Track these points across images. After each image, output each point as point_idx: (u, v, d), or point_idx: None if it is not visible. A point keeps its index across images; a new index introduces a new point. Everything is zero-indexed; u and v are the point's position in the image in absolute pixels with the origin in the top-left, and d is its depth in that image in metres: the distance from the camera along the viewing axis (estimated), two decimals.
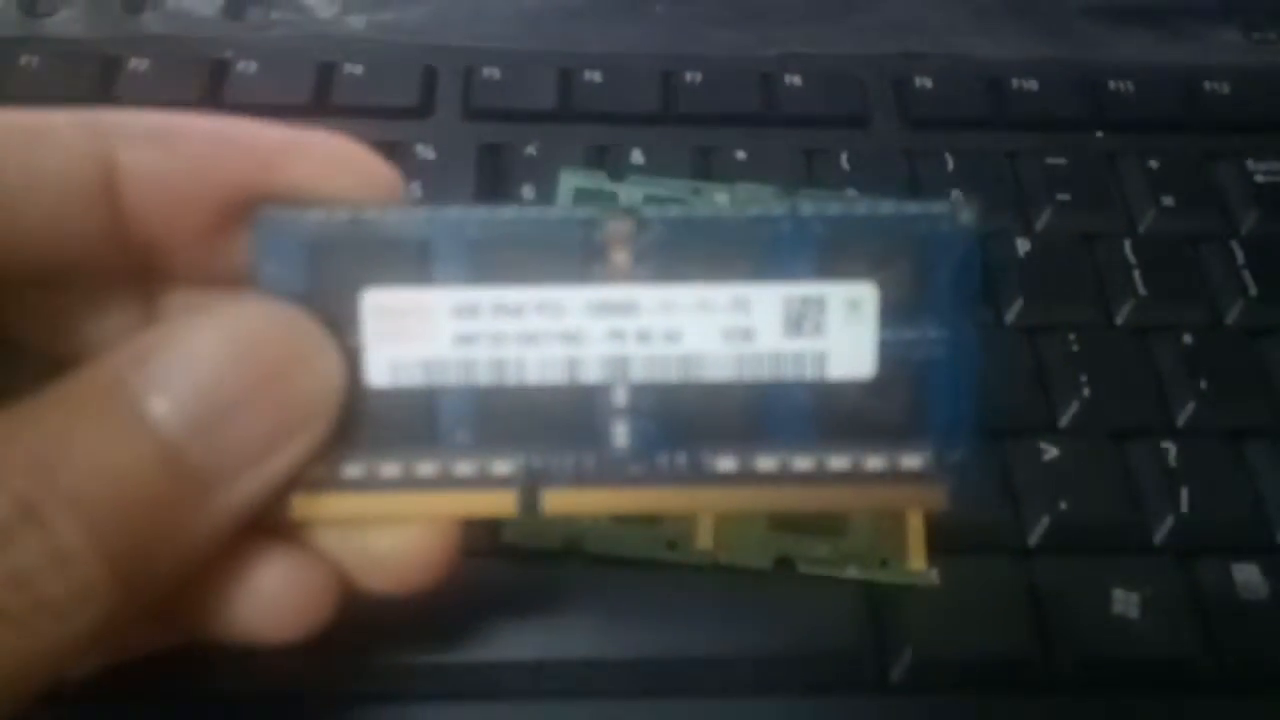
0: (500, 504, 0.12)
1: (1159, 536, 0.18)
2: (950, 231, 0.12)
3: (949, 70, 0.23)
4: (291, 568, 0.12)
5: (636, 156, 0.21)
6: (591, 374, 0.12)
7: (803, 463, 0.12)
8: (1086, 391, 0.19)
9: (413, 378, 0.12)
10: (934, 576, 0.17)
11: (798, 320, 0.12)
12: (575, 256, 0.12)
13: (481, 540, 0.17)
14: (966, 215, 0.12)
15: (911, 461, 0.12)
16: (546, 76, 0.22)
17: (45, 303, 0.12)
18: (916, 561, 0.17)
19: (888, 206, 0.12)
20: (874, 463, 0.12)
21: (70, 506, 0.10)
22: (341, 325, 0.12)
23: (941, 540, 0.17)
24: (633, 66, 0.23)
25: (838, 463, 0.12)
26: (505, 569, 0.17)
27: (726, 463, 0.12)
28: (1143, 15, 0.25)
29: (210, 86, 0.22)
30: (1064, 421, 0.19)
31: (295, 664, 0.15)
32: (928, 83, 0.23)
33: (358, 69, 0.22)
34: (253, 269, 0.12)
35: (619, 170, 0.21)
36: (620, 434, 0.12)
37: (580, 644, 0.16)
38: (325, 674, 0.15)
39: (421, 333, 0.12)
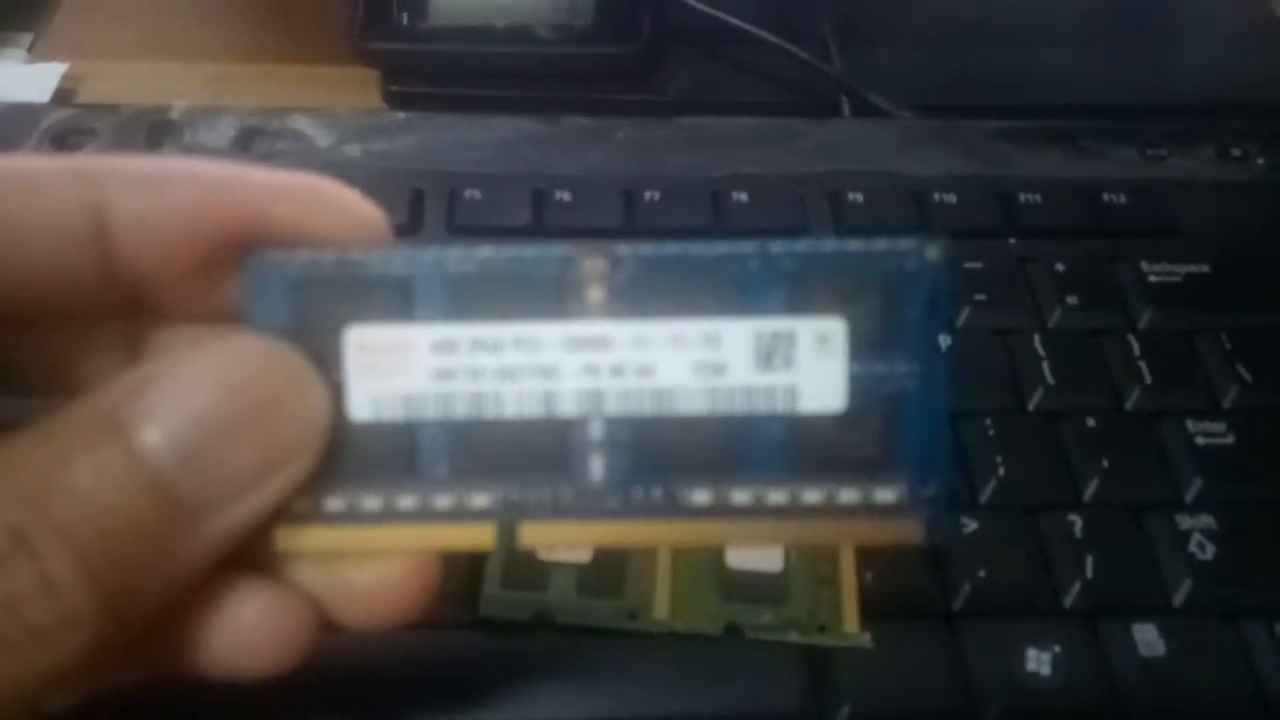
0: (478, 537, 0.12)
1: (1068, 600, 0.20)
2: (918, 267, 0.12)
3: (878, 185, 0.26)
4: (270, 600, 0.12)
5: None
6: (567, 408, 0.12)
7: (776, 496, 0.12)
8: (1002, 470, 0.21)
9: (394, 412, 0.12)
10: (867, 639, 0.19)
11: (768, 354, 0.12)
12: (551, 293, 0.12)
13: (457, 612, 0.19)
14: (933, 252, 0.12)
15: (886, 495, 0.12)
16: (521, 196, 0.25)
17: (36, 342, 0.13)
18: (850, 626, 0.19)
19: (855, 244, 0.12)
20: (848, 496, 0.12)
21: (60, 536, 0.10)
22: (326, 361, 0.12)
23: (874, 606, 0.19)
24: (598, 186, 0.25)
25: (811, 496, 0.12)
26: (478, 640, 0.18)
27: (701, 496, 0.12)
28: (1050, 136, 0.28)
29: None
30: (984, 497, 0.21)
31: None
32: (859, 197, 0.26)
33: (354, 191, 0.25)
34: (242, 307, 0.12)
35: None
36: (596, 467, 0.12)
37: (549, 708, 0.18)
38: None
39: (402, 368, 0.12)
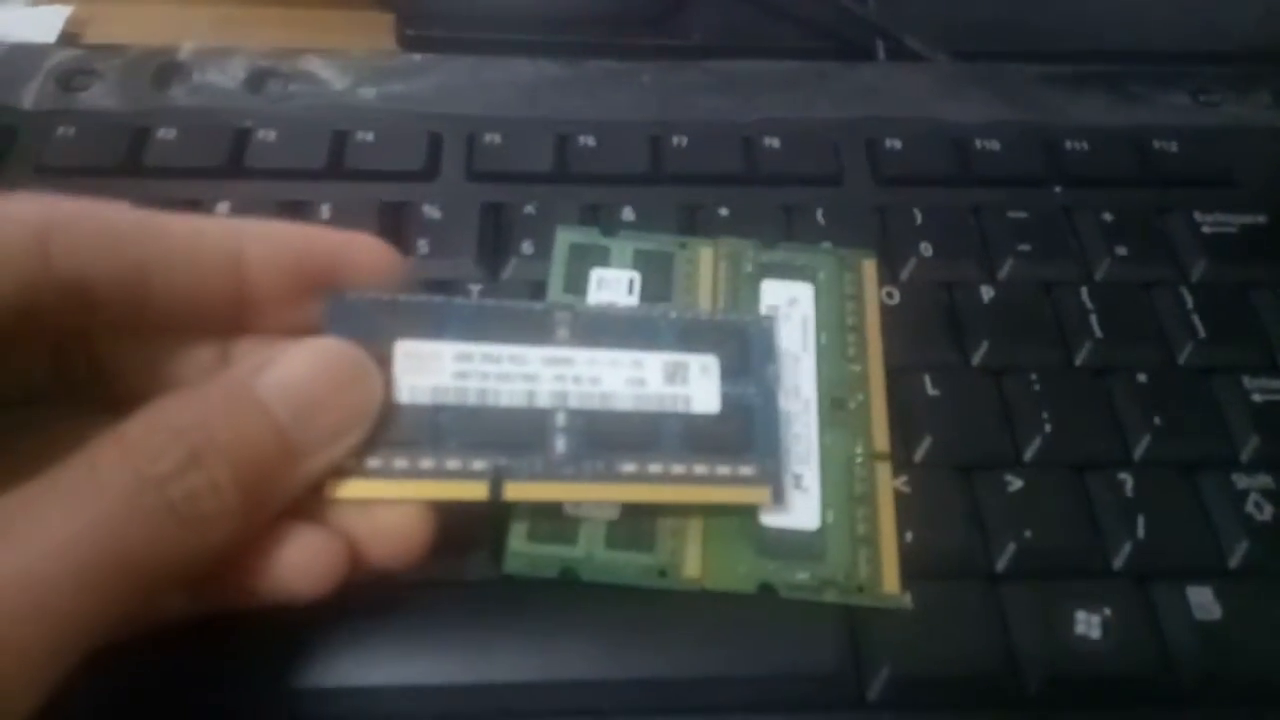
0: (475, 491, 0.17)
1: (1118, 562, 0.19)
2: (759, 330, 0.19)
3: (917, 132, 0.25)
4: (319, 538, 0.16)
5: (628, 214, 0.23)
6: (543, 402, 0.17)
7: (678, 468, 0.17)
8: (1048, 427, 0.20)
9: (424, 398, 0.17)
10: (908, 600, 0.18)
11: (672, 375, 0.18)
12: (535, 329, 0.18)
13: (483, 568, 0.18)
14: (768, 321, 0.19)
15: (746, 469, 0.18)
16: (544, 141, 0.24)
17: (154, 350, 0.17)
18: (890, 586, 0.18)
19: (723, 315, 0.20)
20: (722, 469, 0.18)
21: (222, 456, 0.14)
22: (381, 362, 0.17)
23: (914, 567, 0.18)
24: (623, 131, 0.24)
25: (699, 468, 0.17)
26: (507, 597, 0.18)
27: (629, 466, 0.17)
28: (1096, 81, 0.27)
29: (232, 153, 0.23)
30: (1028, 455, 0.20)
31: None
32: (897, 144, 0.25)
33: (369, 136, 0.24)
34: (325, 325, 0.17)
35: (611, 226, 0.22)
36: (560, 444, 0.17)
37: (576, 666, 0.17)
38: (329, 696, 0.17)
39: (433, 369, 0.17)
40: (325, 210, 0.22)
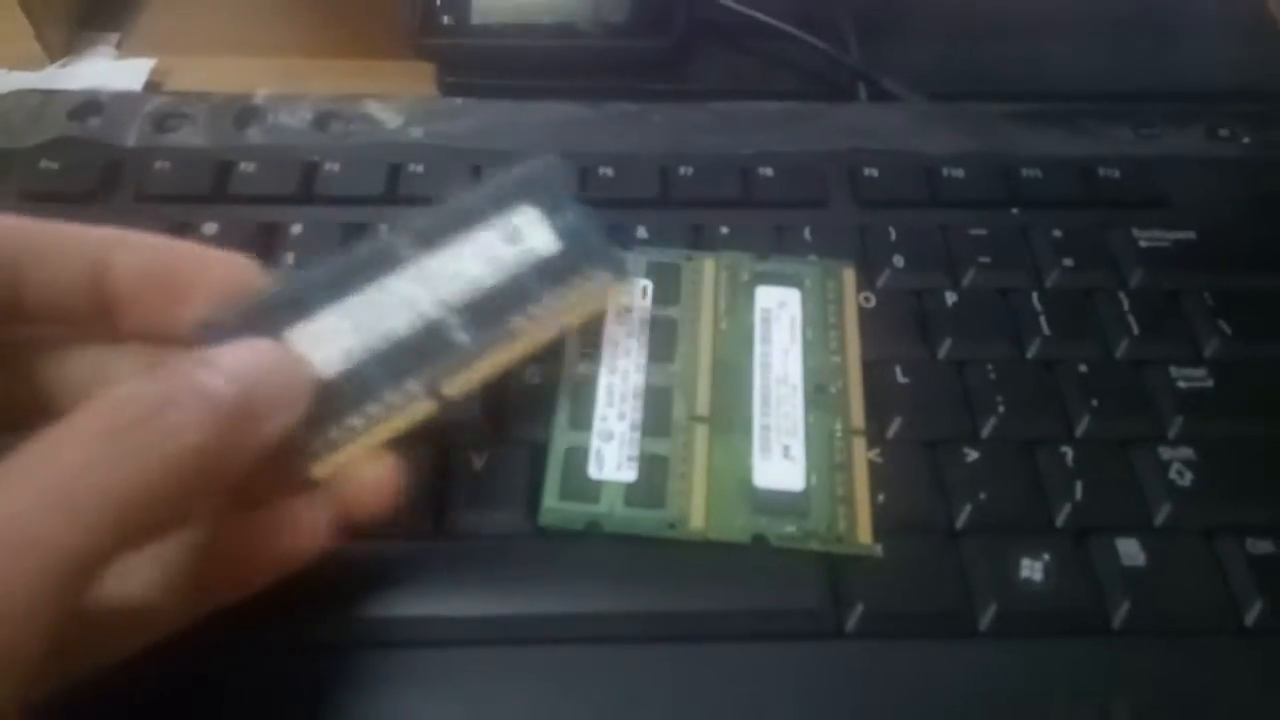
0: (424, 408, 0.19)
1: (1059, 520, 0.22)
2: (549, 167, 0.22)
3: (893, 162, 0.28)
4: (318, 505, 0.18)
5: (641, 232, 0.26)
6: (431, 312, 0.20)
7: (552, 301, 0.21)
8: (1002, 409, 0.23)
9: (338, 365, 0.19)
10: (879, 550, 0.21)
11: (510, 238, 0.21)
12: (384, 262, 0.20)
13: (521, 523, 0.21)
14: (553, 160, 0.22)
15: (604, 276, 0.21)
16: (569, 172, 0.28)
17: (33, 364, 0.18)
18: (864, 538, 0.21)
19: (516, 171, 0.22)
20: (583, 282, 0.21)
21: (196, 398, 0.16)
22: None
23: (886, 523, 0.21)
24: (637, 163, 0.28)
25: (569, 293, 0.21)
26: (538, 545, 0.21)
27: (519, 320, 0.20)
28: (1051, 117, 0.30)
29: (302, 182, 0.27)
30: (985, 433, 0.23)
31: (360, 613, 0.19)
32: (875, 172, 0.28)
33: (419, 168, 0.27)
34: (200, 338, 0.18)
35: (627, 243, 0.26)
36: (462, 337, 0.20)
37: (598, 603, 0.20)
38: (362, 626, 0.20)
39: (329, 339, 0.19)
40: (383, 230, 0.26)
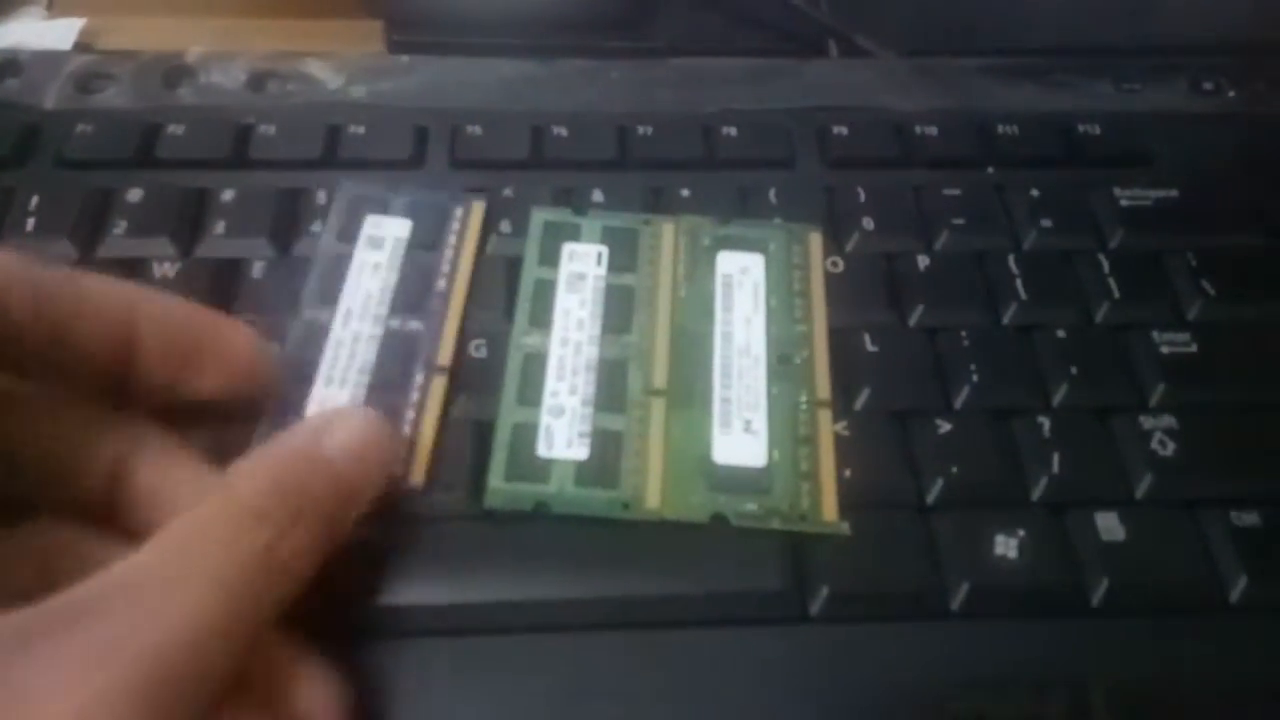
0: (439, 384, 0.21)
1: (1036, 493, 0.21)
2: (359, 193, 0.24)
3: (863, 120, 0.27)
4: None
5: (597, 196, 0.25)
6: (380, 329, 0.22)
7: (443, 258, 0.23)
8: (976, 378, 0.22)
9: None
10: (845, 528, 0.20)
11: (374, 244, 0.23)
12: (316, 335, 0.22)
13: (465, 505, 0.20)
14: (350, 187, 0.24)
15: (460, 215, 0.24)
16: (520, 132, 0.26)
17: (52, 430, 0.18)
18: (829, 515, 0.20)
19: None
20: (452, 231, 0.24)
21: (316, 512, 0.17)
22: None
23: (853, 499, 0.20)
24: (593, 122, 0.26)
25: (446, 241, 0.23)
26: (484, 528, 0.20)
27: (441, 285, 0.23)
28: (1027, 72, 0.29)
29: (236, 146, 0.25)
30: (958, 403, 0.22)
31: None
32: (844, 130, 0.27)
33: (360, 129, 0.26)
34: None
35: (582, 207, 0.24)
36: (415, 325, 0.22)
37: (548, 589, 0.19)
38: (340, 615, 0.19)
39: (338, 389, 0.21)
40: (321, 196, 0.24)
